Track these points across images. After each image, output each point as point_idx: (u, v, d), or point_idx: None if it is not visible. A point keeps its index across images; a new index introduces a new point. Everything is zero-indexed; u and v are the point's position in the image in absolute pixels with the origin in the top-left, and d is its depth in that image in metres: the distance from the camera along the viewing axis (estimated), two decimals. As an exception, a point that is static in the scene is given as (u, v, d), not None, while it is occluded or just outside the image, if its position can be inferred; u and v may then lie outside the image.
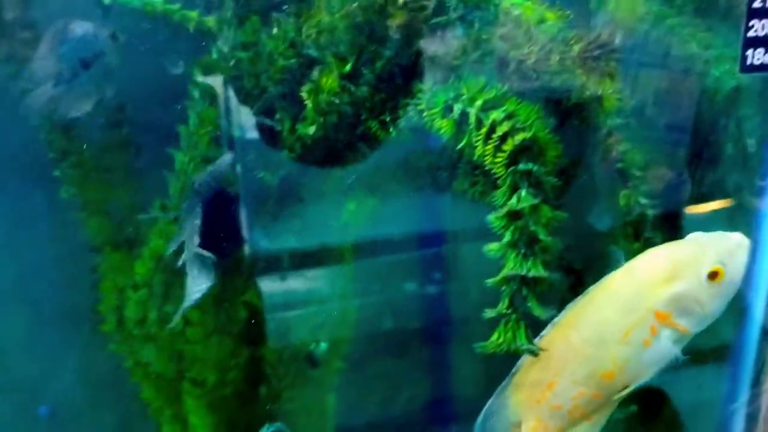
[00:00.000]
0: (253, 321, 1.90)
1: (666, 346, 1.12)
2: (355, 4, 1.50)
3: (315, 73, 1.57)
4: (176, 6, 1.83)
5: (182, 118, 1.79)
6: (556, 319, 1.16)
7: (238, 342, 1.89)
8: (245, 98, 1.67)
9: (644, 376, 1.15)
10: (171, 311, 1.74)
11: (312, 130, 1.57)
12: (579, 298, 1.16)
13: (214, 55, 1.72)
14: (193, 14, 1.82)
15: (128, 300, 1.76)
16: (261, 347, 1.95)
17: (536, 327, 1.23)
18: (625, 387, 1.16)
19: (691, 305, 1.10)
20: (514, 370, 1.20)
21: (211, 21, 1.87)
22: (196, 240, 1.49)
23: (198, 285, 1.50)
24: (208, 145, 1.67)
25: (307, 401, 2.07)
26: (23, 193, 2.06)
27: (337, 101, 1.54)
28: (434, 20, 1.50)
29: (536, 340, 1.18)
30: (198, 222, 1.49)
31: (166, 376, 1.88)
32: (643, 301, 1.11)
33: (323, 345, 2.11)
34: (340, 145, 1.61)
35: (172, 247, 1.57)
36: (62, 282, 2.18)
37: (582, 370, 1.15)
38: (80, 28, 1.64)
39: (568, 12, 1.50)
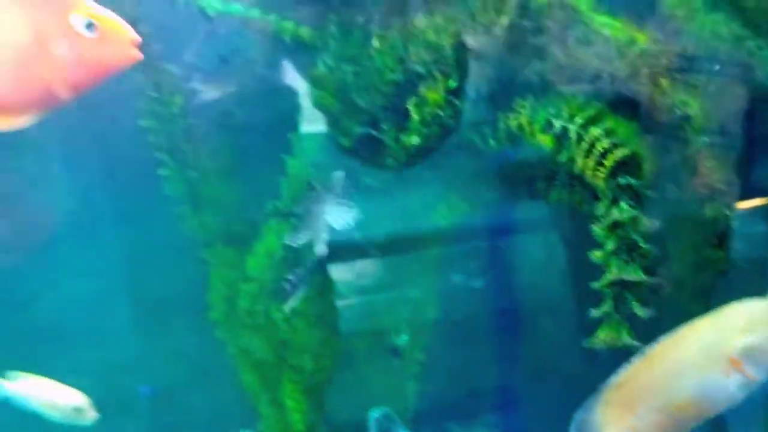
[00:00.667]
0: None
1: (734, 390, 1.25)
2: (461, 26, 1.63)
3: (421, 88, 1.70)
4: (272, 16, 1.96)
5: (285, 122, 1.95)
6: (646, 350, 1.29)
7: (332, 331, 2.03)
8: (351, 110, 1.80)
9: (711, 412, 1.28)
10: (277, 305, 1.89)
11: (416, 140, 1.70)
12: (668, 335, 1.29)
13: (321, 68, 1.84)
14: (289, 25, 1.96)
15: (240, 292, 1.91)
16: (351, 337, 2.09)
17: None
18: (694, 420, 1.30)
19: (761, 356, 1.23)
20: (603, 386, 1.33)
21: (305, 31, 2.01)
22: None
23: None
24: (317, 151, 1.81)
25: (390, 388, 2.21)
26: (129, 190, 2.22)
27: (441, 114, 1.67)
28: (532, 40, 1.64)
29: (626, 365, 1.32)
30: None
31: (267, 362, 2.03)
32: (721, 347, 1.24)
33: (404, 337, 2.25)
34: (440, 155, 1.75)
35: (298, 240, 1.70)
36: (163, 272, 2.35)
37: (660, 399, 1.29)
38: (222, 28, 1.81)
39: (657, 33, 1.63)
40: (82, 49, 1.00)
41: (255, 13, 1.92)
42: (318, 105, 1.81)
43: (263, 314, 1.91)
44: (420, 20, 1.73)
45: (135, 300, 2.35)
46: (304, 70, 1.88)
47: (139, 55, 1.04)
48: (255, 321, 1.92)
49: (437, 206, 1.95)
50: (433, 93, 1.68)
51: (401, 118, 1.75)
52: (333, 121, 1.81)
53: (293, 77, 1.93)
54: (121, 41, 1.02)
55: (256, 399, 2.12)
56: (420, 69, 1.70)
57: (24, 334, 2.14)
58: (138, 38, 1.03)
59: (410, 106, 1.70)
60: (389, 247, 2.15)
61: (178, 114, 1.87)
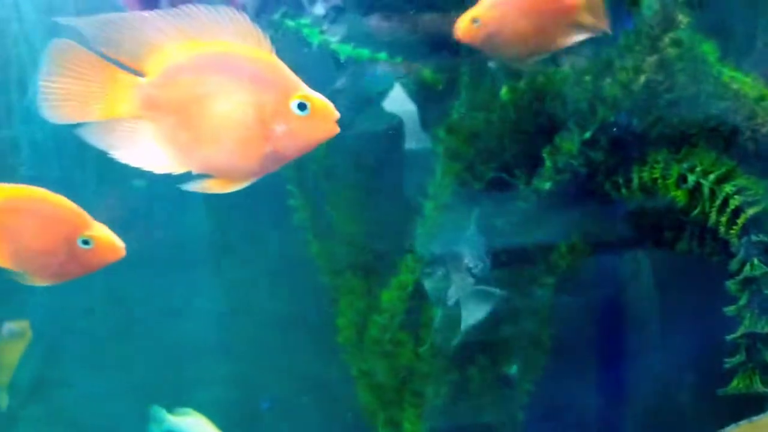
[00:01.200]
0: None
1: None
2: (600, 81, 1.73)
3: (556, 138, 1.79)
4: (399, 59, 2.09)
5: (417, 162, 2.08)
6: (757, 417, 1.38)
7: (452, 362, 2.15)
8: (483, 155, 1.91)
9: None
10: (405, 337, 2.02)
11: (548, 185, 1.81)
12: None
13: (454, 115, 1.96)
14: (419, 69, 2.09)
15: (370, 321, 2.05)
16: (468, 367, 2.20)
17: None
18: None
19: None
20: None
21: (427, 73, 2.13)
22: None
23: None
24: (451, 195, 1.92)
25: (502, 416, 2.31)
26: (258, 218, 2.39)
27: (574, 163, 1.77)
28: (666, 96, 1.72)
29: (732, 427, 1.38)
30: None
31: (387, 386, 2.16)
32: None
33: (514, 367, 2.35)
34: (570, 199, 1.85)
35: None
36: (284, 294, 2.50)
37: None
38: (369, 70, 1.95)
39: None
40: (295, 126, 1.14)
41: (383, 56, 2.05)
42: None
43: (390, 342, 2.04)
44: (554, 71, 1.84)
45: (258, 318, 2.52)
46: (438, 114, 2.01)
47: (338, 129, 1.17)
48: (382, 348, 2.05)
49: (558, 245, 2.04)
50: (567, 143, 1.78)
51: (533, 163, 1.85)
52: (465, 165, 1.92)
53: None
54: (327, 118, 1.15)
55: (373, 418, 2.25)
56: (554, 120, 1.81)
57: (172, 343, 2.32)
58: (338, 114, 1.17)
59: (544, 154, 1.80)
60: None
61: (321, 155, 2.02)
